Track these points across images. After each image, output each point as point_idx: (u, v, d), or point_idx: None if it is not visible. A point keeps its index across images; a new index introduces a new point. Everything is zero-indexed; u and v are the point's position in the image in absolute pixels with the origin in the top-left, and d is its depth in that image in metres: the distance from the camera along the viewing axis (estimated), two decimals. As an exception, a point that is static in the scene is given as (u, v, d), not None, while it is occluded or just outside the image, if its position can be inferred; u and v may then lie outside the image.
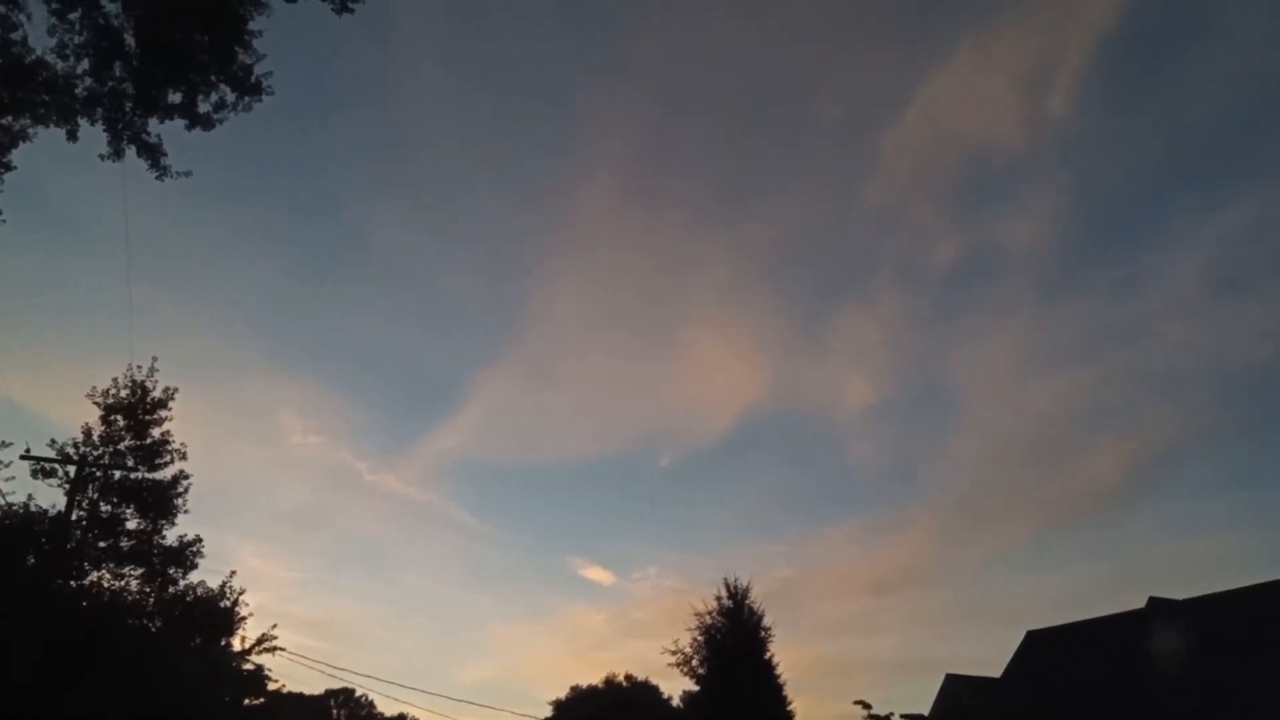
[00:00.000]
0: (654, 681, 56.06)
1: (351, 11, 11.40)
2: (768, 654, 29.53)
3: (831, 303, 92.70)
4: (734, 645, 29.47)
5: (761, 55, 78.15)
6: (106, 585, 23.47)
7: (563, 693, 58.16)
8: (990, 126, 66.23)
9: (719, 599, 30.39)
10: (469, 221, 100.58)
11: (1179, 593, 27.75)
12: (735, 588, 30.41)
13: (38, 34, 10.95)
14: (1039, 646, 32.13)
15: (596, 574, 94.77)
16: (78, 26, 10.89)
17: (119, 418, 23.78)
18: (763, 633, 29.76)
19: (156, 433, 24.07)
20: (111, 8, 10.88)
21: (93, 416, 23.36)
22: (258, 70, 11.74)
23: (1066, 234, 73.39)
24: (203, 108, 11.68)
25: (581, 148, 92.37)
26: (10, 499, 22.32)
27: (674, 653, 29.84)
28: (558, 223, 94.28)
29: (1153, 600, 27.55)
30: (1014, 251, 73.35)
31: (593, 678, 59.12)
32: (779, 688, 29.19)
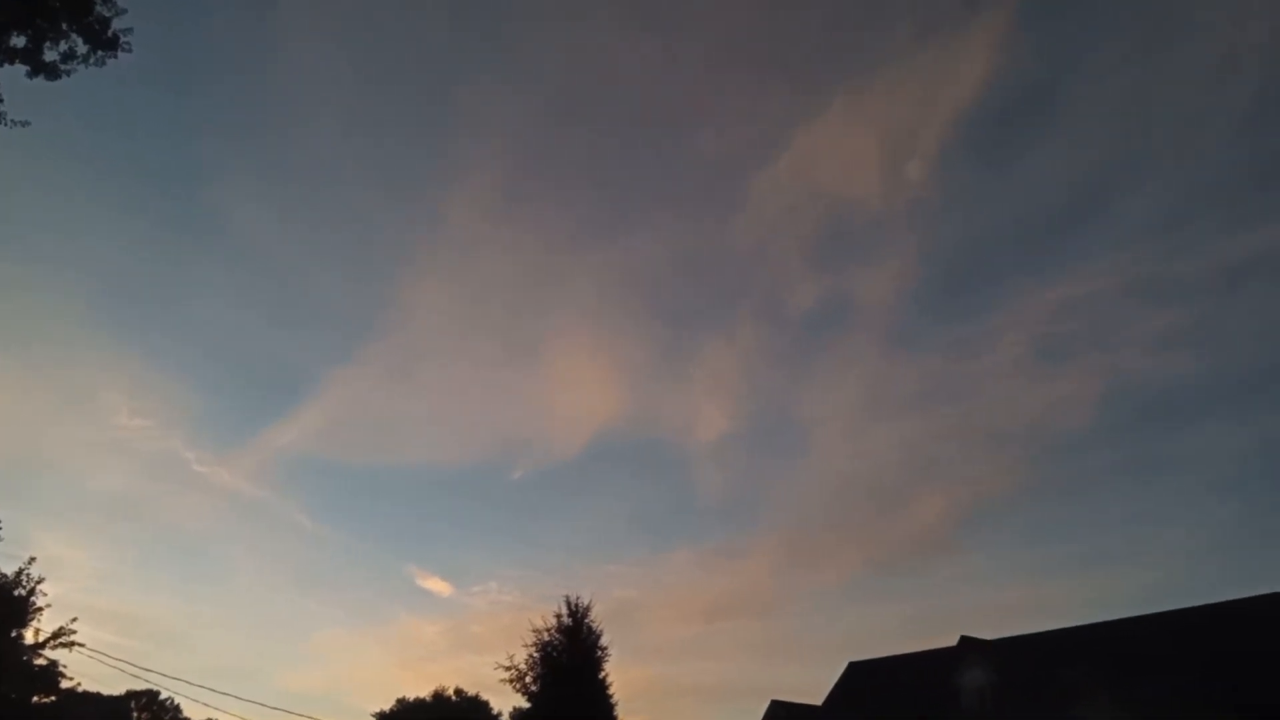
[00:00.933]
0: (485, 697, 55.16)
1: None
2: (602, 673, 29.58)
3: (694, 331, 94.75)
4: (569, 663, 29.35)
5: (649, 77, 79.50)
6: None
7: (388, 704, 56.33)
8: (854, 182, 69.70)
9: (558, 616, 30.25)
10: (335, 210, 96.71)
11: (988, 633, 29.72)
12: (576, 606, 30.37)
13: None
14: (859, 677, 33.63)
15: (434, 584, 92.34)
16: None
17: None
18: (599, 652, 29.80)
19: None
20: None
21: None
22: (116, 25, 11.00)
23: (913, 293, 77.98)
24: (49, 55, 10.82)
25: (459, 147, 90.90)
26: None
27: (508, 668, 29.47)
28: (429, 221, 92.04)
29: (964, 639, 29.34)
30: (866, 303, 77.27)
31: (422, 690, 57.53)
32: (610, 708, 29.26)
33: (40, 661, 29.51)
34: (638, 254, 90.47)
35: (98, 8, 10.60)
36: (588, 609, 30.32)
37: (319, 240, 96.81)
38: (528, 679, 29.35)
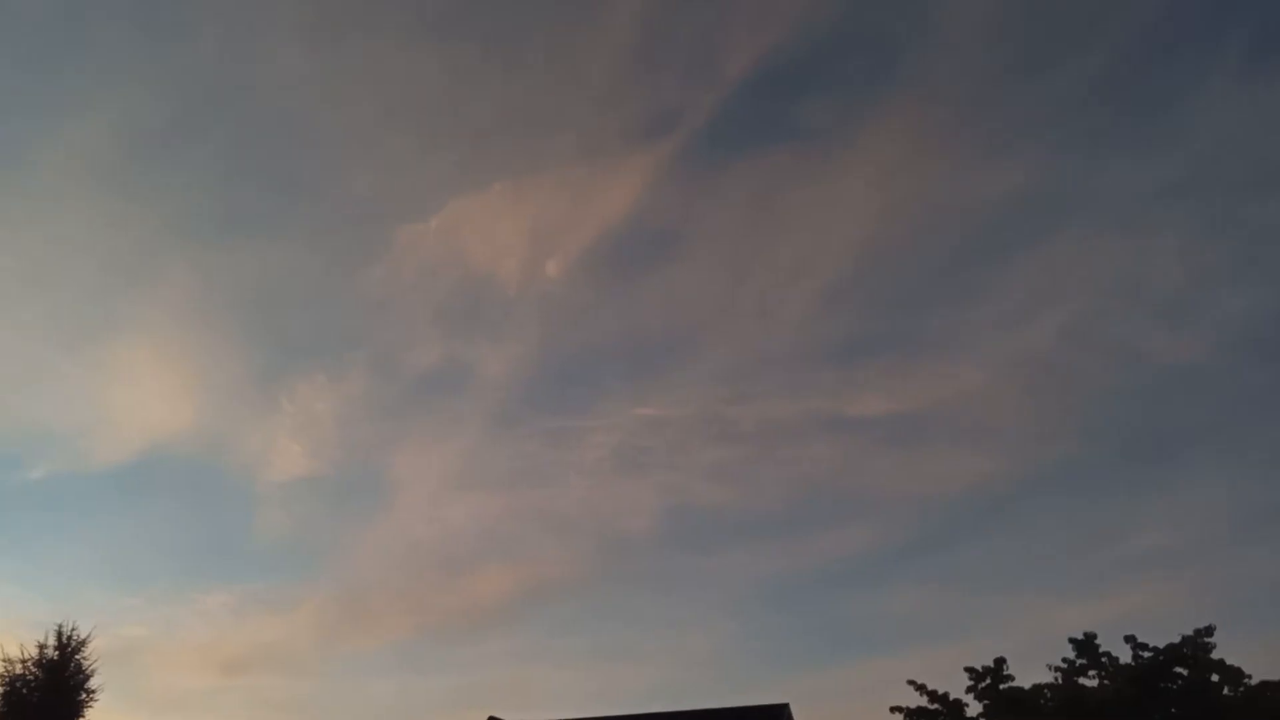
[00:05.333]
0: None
1: None
2: (82, 720, 25.33)
3: (299, 364, 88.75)
4: (42, 703, 24.83)
5: (324, 92, 75.62)
6: None
7: None
8: (496, 262, 71.03)
9: (42, 647, 25.56)
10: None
11: (532, 713, 30.49)
12: (69, 639, 25.92)
13: None
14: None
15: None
16: None
17: None
18: (83, 695, 25.55)
19: None
20: None
21: None
22: None
23: (527, 379, 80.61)
24: None
25: (72, 117, 78.45)
26: None
27: (-46, 704, 24.06)
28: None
29: (492, 718, 29.75)
30: (482, 378, 78.15)
31: None
32: (81, 762, 25.03)
33: None
34: (255, 268, 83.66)
35: None
36: (83, 643, 26.04)
37: None
38: (-21, 719, 24.21)
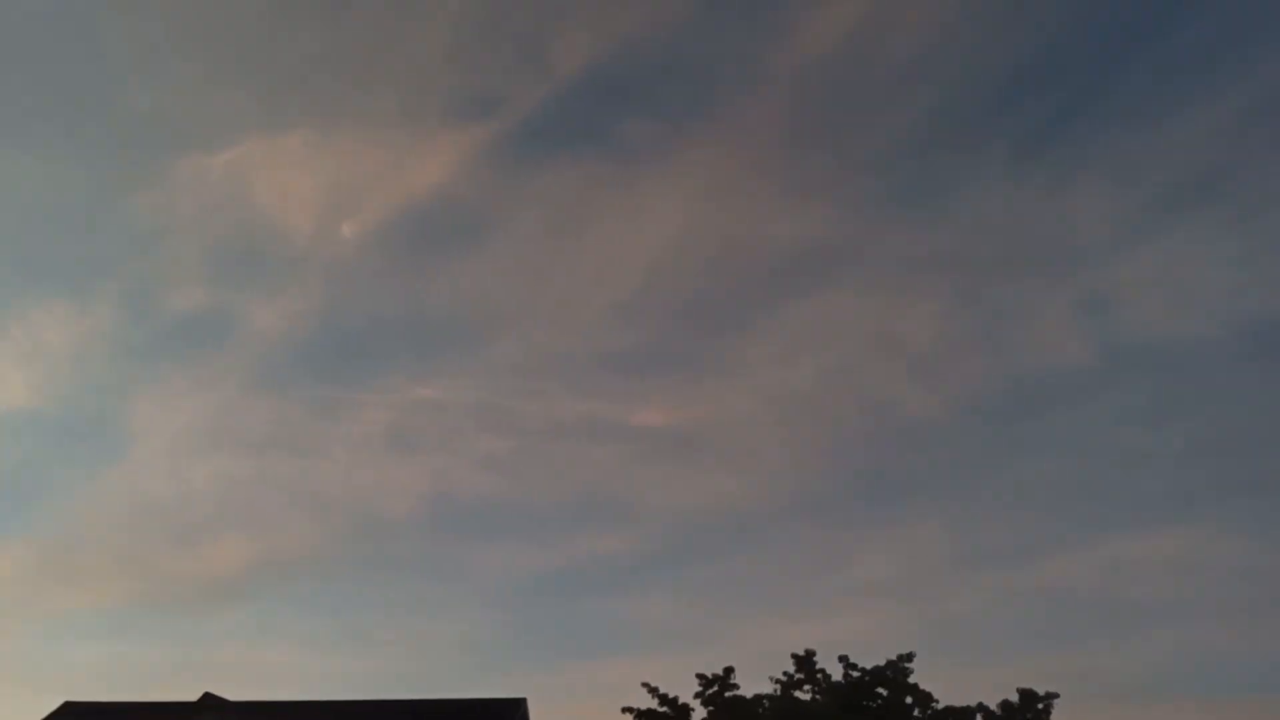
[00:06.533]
0: None
1: None
2: None
3: (36, 288, 77.93)
4: None
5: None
6: None
7: None
8: (288, 210, 65.98)
9: None
10: None
11: (253, 692, 28.52)
12: None
13: None
14: (75, 718, 29.40)
15: None
16: None
17: None
18: None
19: None
20: None
21: None
22: None
23: (299, 341, 74.77)
24: None
25: None
26: None
27: None
28: None
29: (207, 695, 27.74)
30: (254, 330, 70.88)
31: None
32: None
33: None
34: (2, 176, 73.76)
35: None
36: None
37: None
38: None
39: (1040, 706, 18.29)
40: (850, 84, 54.82)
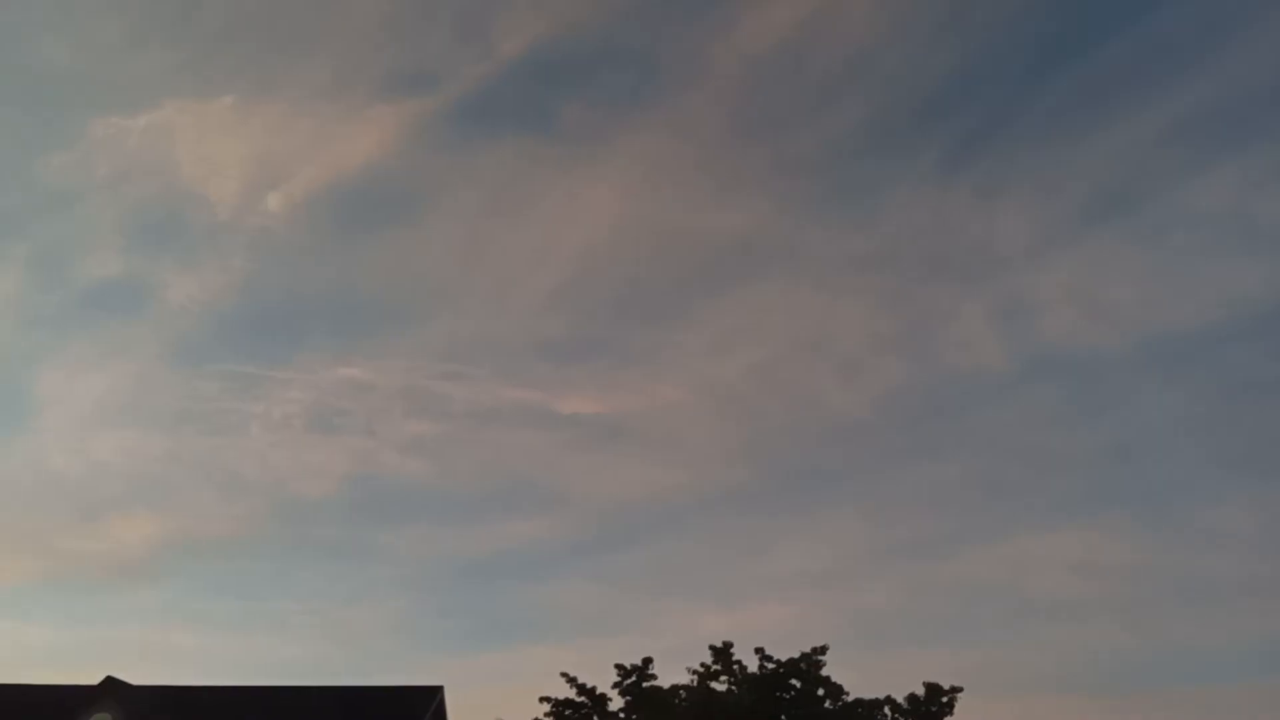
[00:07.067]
0: None
1: None
2: None
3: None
4: None
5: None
6: None
7: None
8: (211, 178, 63.32)
9: None
10: None
11: (156, 678, 27.75)
12: None
13: None
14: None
15: None
16: None
17: None
18: None
19: None
20: None
21: None
22: None
23: (218, 315, 72.36)
24: None
25: None
26: None
27: None
28: None
29: (109, 679, 26.89)
30: (166, 304, 68.15)
31: None
32: None
33: None
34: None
35: None
36: None
37: None
38: None
39: (945, 700, 18.93)
40: (788, 85, 55.66)
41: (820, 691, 19.23)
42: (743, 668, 19.69)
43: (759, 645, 19.71)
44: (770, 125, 59.65)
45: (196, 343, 63.36)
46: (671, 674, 20.05)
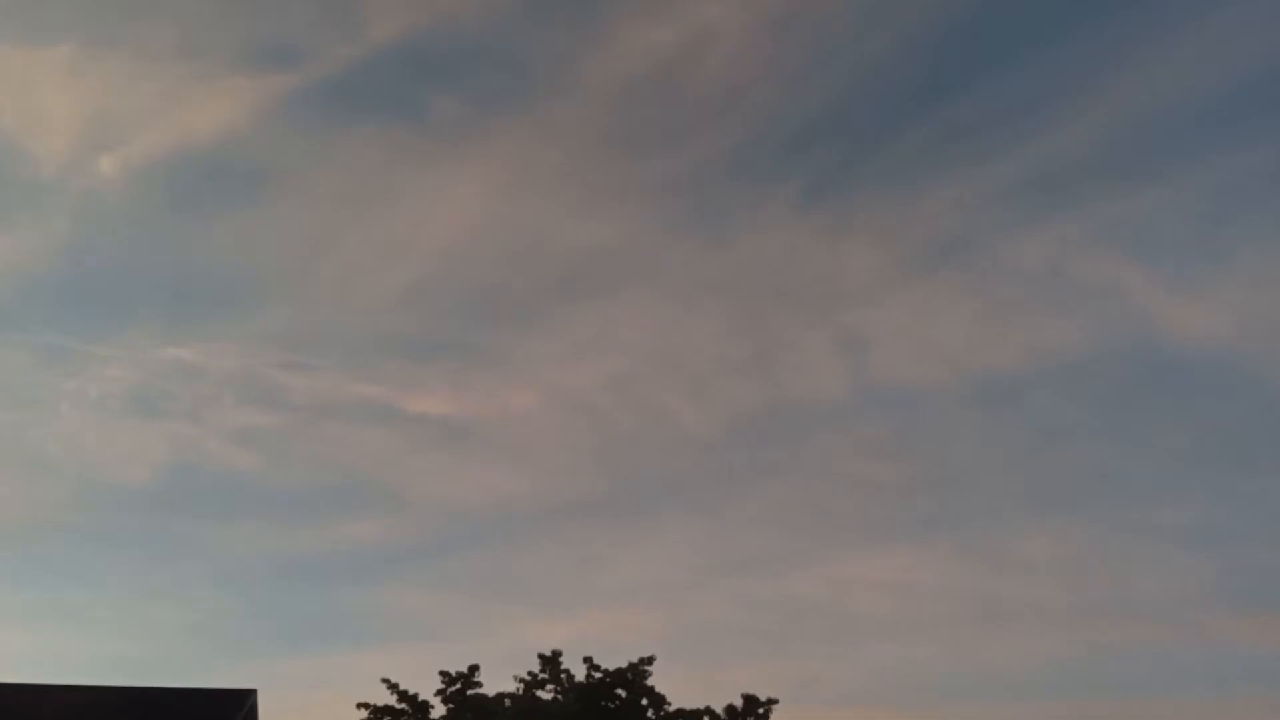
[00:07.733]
0: None
1: None
2: None
3: None
4: None
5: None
6: None
7: None
8: (37, 131, 57.91)
9: None
10: None
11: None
12: None
13: None
14: None
15: None
16: None
17: None
18: None
19: None
20: None
21: None
22: None
23: (31, 280, 66.25)
24: None
25: None
26: None
27: None
28: None
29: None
30: None
31: None
32: None
33: None
34: None
35: None
36: None
37: None
38: None
39: (761, 711, 19.69)
40: (659, 104, 56.64)
41: (644, 701, 19.59)
42: (570, 677, 19.81)
43: (589, 655, 19.91)
44: (640, 143, 60.44)
45: (5, 309, 57.93)
46: (501, 682, 19.94)
